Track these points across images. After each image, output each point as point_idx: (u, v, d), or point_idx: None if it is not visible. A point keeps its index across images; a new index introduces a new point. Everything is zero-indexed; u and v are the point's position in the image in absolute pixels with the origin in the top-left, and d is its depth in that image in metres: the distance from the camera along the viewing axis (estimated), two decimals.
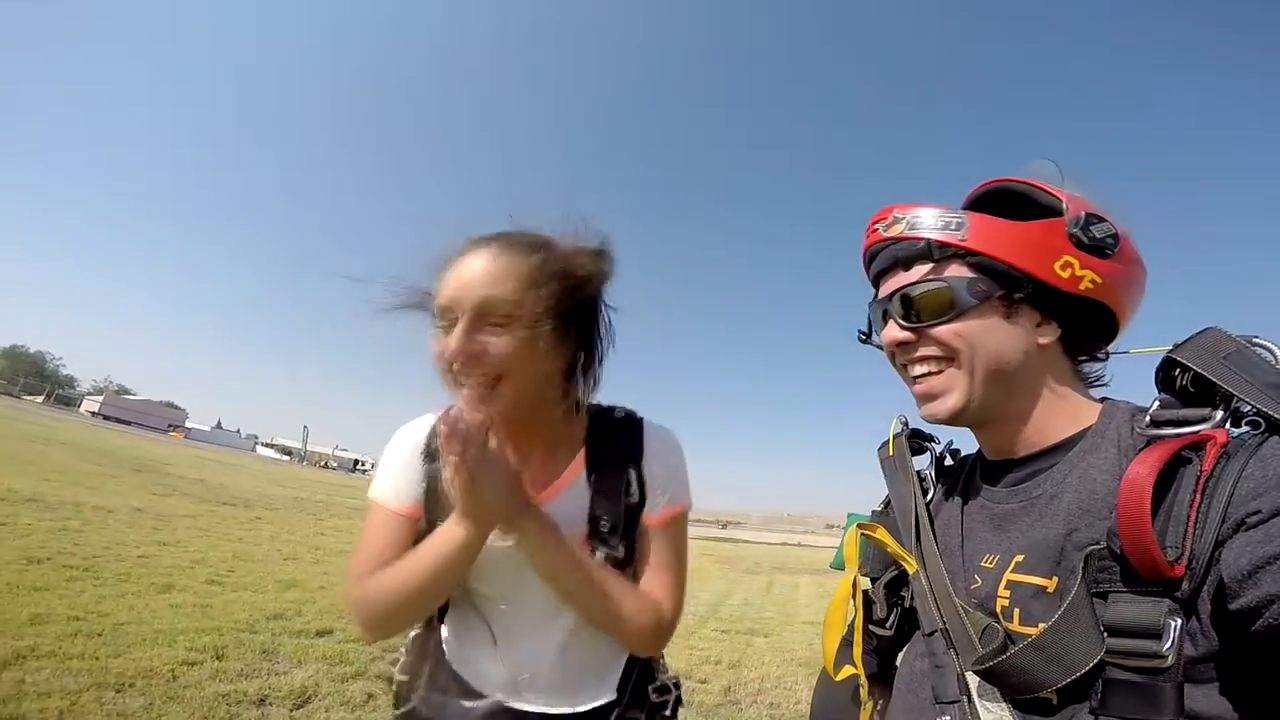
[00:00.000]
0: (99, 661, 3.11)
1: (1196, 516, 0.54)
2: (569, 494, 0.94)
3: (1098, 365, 0.78)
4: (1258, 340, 0.60)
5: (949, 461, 0.91)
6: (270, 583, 5.67)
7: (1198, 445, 0.57)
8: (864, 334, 0.84)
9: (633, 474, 0.94)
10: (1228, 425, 0.58)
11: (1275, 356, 0.58)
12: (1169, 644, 0.52)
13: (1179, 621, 0.53)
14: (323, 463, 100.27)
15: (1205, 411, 0.59)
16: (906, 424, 0.91)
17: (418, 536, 0.91)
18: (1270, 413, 0.55)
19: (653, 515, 0.95)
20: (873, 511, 0.93)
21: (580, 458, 0.96)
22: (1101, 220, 0.69)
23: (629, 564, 0.95)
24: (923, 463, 0.89)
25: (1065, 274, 0.68)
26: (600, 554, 0.92)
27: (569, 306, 0.88)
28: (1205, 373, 0.59)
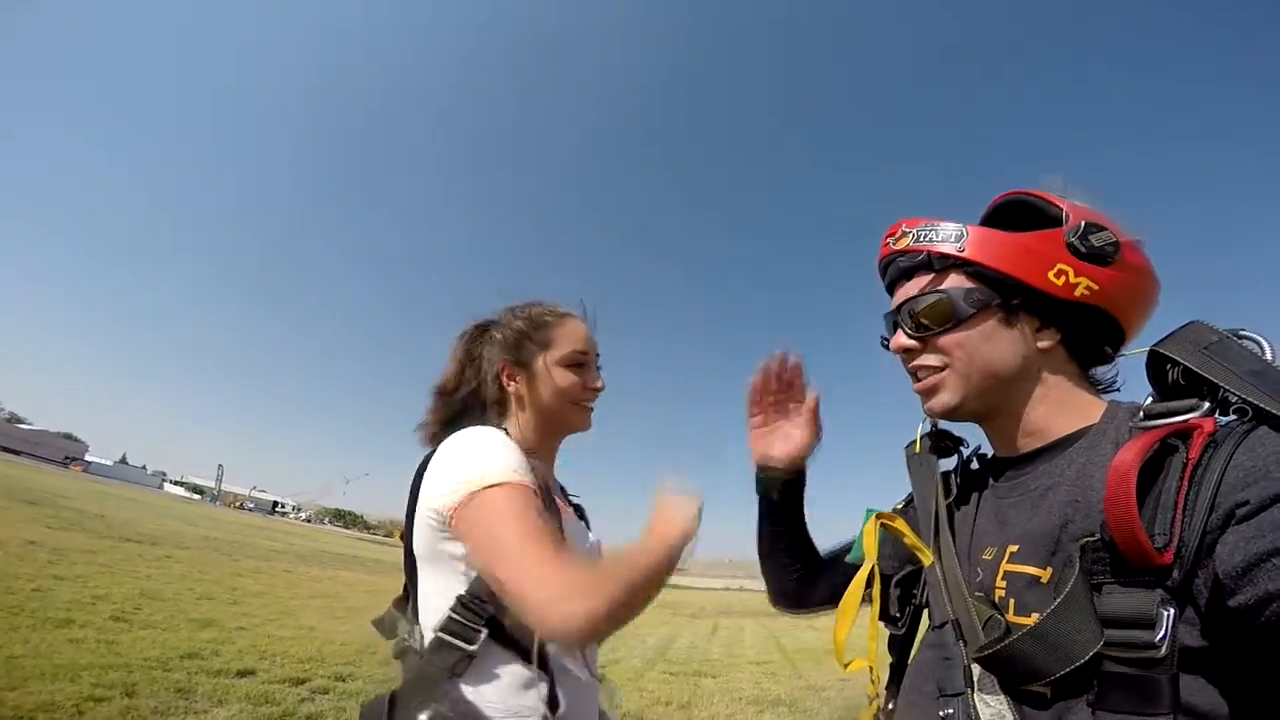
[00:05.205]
0: None
1: (1184, 504, 0.54)
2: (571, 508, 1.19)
3: (1108, 368, 0.78)
4: (1244, 332, 0.61)
5: (975, 465, 0.89)
6: (183, 621, 5.23)
7: (1184, 434, 0.58)
8: (885, 340, 0.85)
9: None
10: (1215, 414, 0.59)
11: (1260, 347, 0.60)
12: (1162, 634, 0.52)
13: (1171, 612, 0.53)
14: (238, 503, 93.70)
15: (1192, 402, 0.60)
16: (935, 425, 0.90)
17: None
18: (1255, 401, 0.55)
19: None
20: (894, 507, 0.93)
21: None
22: (1101, 229, 0.69)
23: None
24: (950, 464, 0.89)
25: (1059, 281, 0.69)
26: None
27: None
28: (1187, 363, 0.61)
